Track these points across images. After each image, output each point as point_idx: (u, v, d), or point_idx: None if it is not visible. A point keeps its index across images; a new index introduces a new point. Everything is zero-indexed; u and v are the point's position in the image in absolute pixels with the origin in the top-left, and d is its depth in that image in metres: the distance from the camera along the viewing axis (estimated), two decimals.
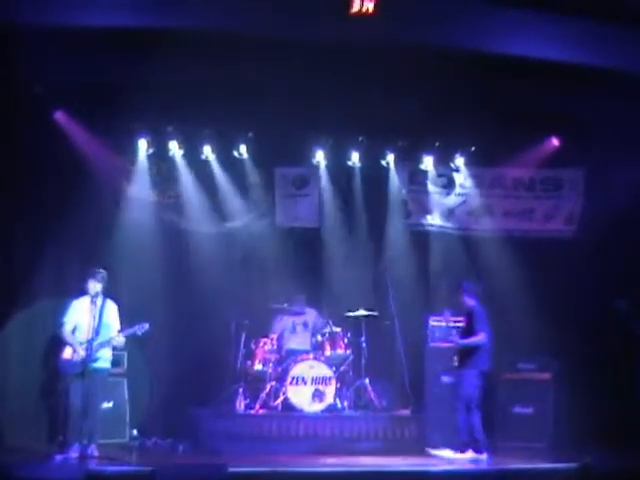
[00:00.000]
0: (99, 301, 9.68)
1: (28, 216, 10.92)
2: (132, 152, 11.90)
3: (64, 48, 9.36)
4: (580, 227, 12.57)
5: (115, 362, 10.21)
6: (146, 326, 9.82)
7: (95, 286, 9.70)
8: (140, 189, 12.08)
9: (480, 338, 10.12)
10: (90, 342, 9.44)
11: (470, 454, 10.02)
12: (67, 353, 9.62)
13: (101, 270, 9.77)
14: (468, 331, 10.32)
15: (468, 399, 10.14)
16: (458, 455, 10.05)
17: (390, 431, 10.87)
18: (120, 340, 9.81)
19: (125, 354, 10.94)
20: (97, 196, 11.38)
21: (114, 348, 9.95)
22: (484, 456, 9.95)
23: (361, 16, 9.39)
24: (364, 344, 11.70)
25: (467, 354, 10.23)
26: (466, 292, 10.47)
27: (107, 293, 9.83)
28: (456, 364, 10.42)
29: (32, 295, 10.96)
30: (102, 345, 9.61)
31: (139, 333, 9.83)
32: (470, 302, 10.43)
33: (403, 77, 10.36)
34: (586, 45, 9.98)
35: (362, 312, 11.75)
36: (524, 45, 9.91)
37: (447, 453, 10.20)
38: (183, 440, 10.60)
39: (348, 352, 11.71)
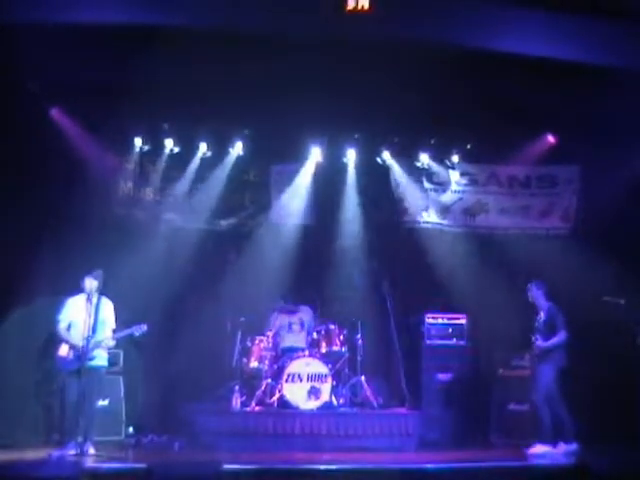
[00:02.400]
0: (95, 299, 9.69)
1: (24, 214, 10.88)
2: (128, 150, 11.89)
3: (60, 46, 9.34)
4: (576, 224, 12.57)
5: (111, 360, 10.21)
6: (144, 327, 9.84)
7: (91, 284, 9.71)
8: (136, 187, 12.07)
9: (561, 336, 10.32)
10: (87, 340, 9.46)
11: (562, 447, 10.13)
12: (63, 350, 9.64)
13: (97, 269, 9.78)
14: (548, 329, 10.42)
15: (548, 394, 10.27)
16: (551, 449, 10.13)
17: (386, 428, 10.87)
18: (109, 343, 9.80)
19: (121, 352, 10.94)
20: (93, 194, 11.34)
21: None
22: (574, 446, 10.08)
23: (357, 13, 9.38)
24: (360, 341, 11.73)
25: (546, 351, 10.37)
26: (543, 291, 10.60)
27: (103, 291, 9.85)
28: (530, 361, 10.73)
29: (29, 293, 10.94)
30: (98, 344, 9.63)
31: (136, 334, 9.86)
32: (547, 302, 10.56)
33: (399, 74, 10.36)
34: (582, 42, 9.97)
35: None
36: (520, 42, 9.90)
37: (541, 448, 10.19)
38: (179, 437, 10.62)
39: (344, 349, 11.72)
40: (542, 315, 10.54)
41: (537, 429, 10.28)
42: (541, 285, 10.68)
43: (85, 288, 9.73)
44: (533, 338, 10.48)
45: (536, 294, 10.65)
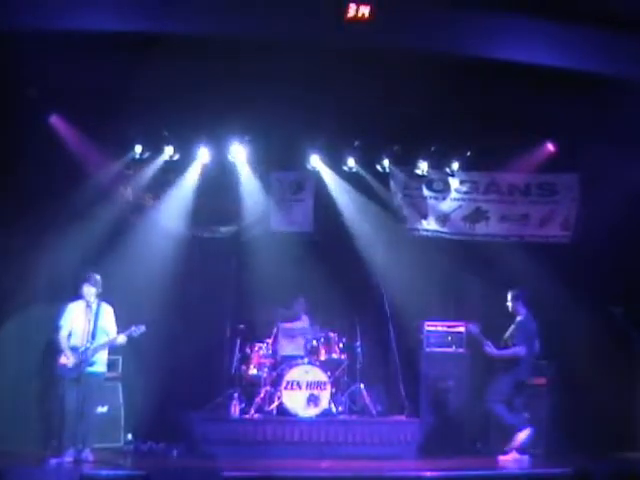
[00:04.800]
0: (94, 305, 9.69)
1: (24, 220, 10.89)
2: (127, 156, 11.88)
3: (60, 52, 9.34)
4: (576, 232, 12.57)
5: (110, 366, 10.20)
6: (142, 328, 9.82)
7: (90, 290, 9.71)
8: (135, 193, 12.08)
9: (515, 350, 10.46)
10: (86, 346, 9.46)
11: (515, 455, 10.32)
12: (64, 358, 9.61)
13: (95, 274, 9.78)
14: (509, 340, 10.63)
15: (498, 398, 10.44)
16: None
17: (385, 436, 10.86)
18: (122, 340, 9.79)
19: (120, 358, 10.93)
20: (93, 200, 11.35)
21: (112, 350, 9.95)
22: (526, 457, 10.28)
23: (357, 21, 9.40)
24: (359, 349, 11.72)
25: (505, 361, 10.55)
26: (521, 301, 10.73)
27: (102, 297, 9.84)
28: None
29: (27, 299, 10.93)
30: (98, 349, 9.62)
31: (135, 335, 9.83)
32: (522, 311, 10.70)
33: (399, 82, 10.37)
34: (582, 51, 9.99)
35: None
36: (520, 50, 9.91)
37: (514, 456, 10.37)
38: (177, 444, 10.60)
39: (343, 357, 11.73)
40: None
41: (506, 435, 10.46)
42: (524, 293, 10.88)
43: (84, 295, 9.72)
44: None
45: (516, 301, 10.82)
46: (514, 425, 10.35)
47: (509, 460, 10.24)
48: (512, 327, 10.67)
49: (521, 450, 10.29)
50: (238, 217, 12.56)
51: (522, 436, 10.22)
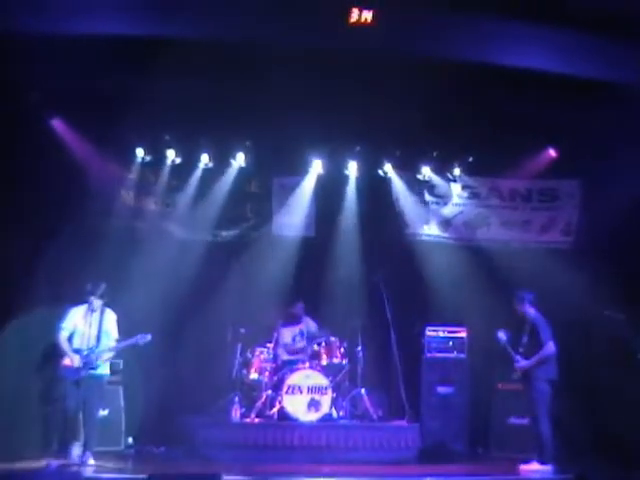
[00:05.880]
0: (98, 310, 9.68)
1: (25, 223, 10.90)
2: (129, 160, 11.90)
3: (62, 56, 9.37)
4: (577, 238, 12.57)
5: (111, 370, 10.19)
6: (148, 337, 9.79)
7: (97, 303, 9.71)
8: (137, 197, 12.10)
9: (546, 350, 10.12)
10: (91, 350, 9.47)
11: (535, 465, 9.95)
12: (68, 359, 9.60)
13: (101, 284, 9.75)
14: (532, 343, 10.28)
15: (538, 408, 10.10)
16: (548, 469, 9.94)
17: (385, 441, 10.85)
18: (109, 354, 9.78)
19: (121, 362, 10.93)
20: (94, 204, 11.36)
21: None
22: (548, 467, 9.86)
23: (359, 26, 9.41)
24: (360, 354, 11.71)
25: (534, 364, 10.21)
26: (527, 302, 10.49)
27: (106, 302, 9.83)
28: (519, 374, 10.39)
29: (29, 302, 10.92)
30: (102, 354, 9.61)
31: (140, 343, 9.81)
32: (531, 312, 10.44)
33: (401, 87, 10.39)
34: (583, 57, 10.00)
35: None
36: (522, 56, 9.93)
37: (538, 467, 10.01)
38: (178, 448, 10.60)
39: (344, 362, 11.71)
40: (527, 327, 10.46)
41: (538, 447, 10.11)
42: (528, 295, 10.56)
43: (90, 302, 9.71)
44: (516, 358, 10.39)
45: (522, 304, 10.51)
46: (547, 453, 9.96)
47: (531, 470, 10.00)
48: (527, 330, 10.46)
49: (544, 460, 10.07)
50: (240, 221, 12.58)
51: (537, 467, 10.03)
